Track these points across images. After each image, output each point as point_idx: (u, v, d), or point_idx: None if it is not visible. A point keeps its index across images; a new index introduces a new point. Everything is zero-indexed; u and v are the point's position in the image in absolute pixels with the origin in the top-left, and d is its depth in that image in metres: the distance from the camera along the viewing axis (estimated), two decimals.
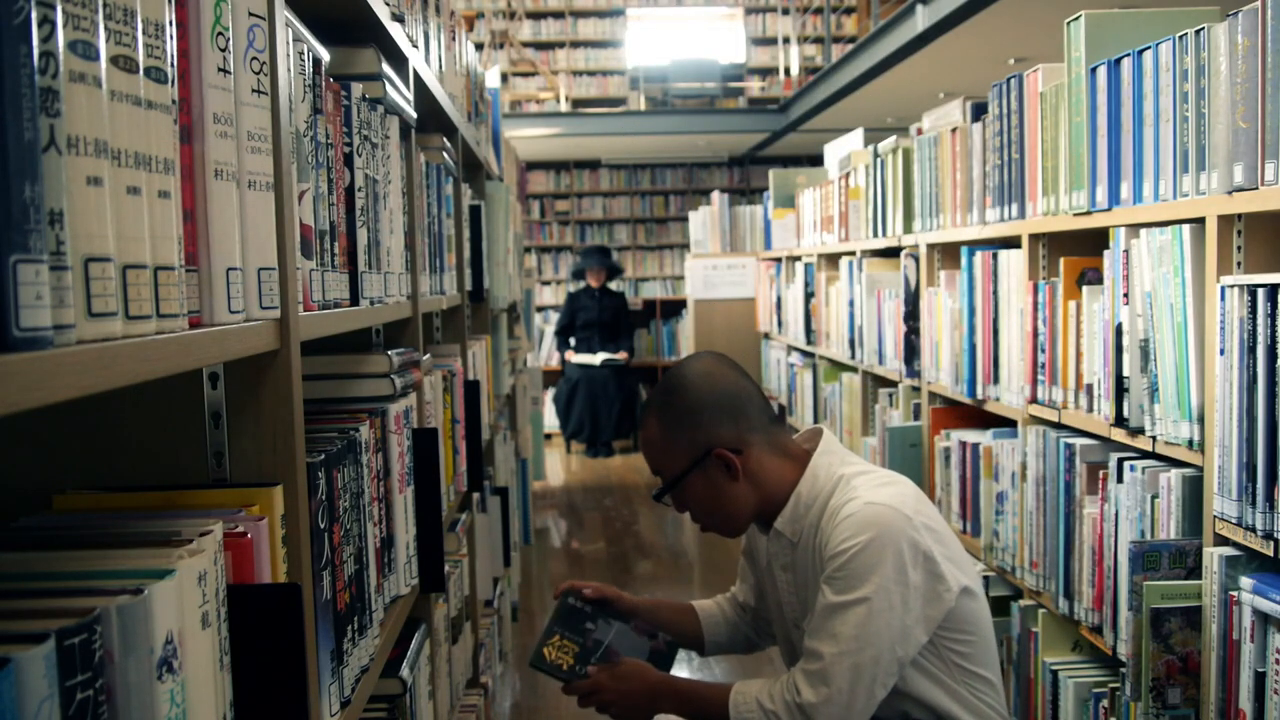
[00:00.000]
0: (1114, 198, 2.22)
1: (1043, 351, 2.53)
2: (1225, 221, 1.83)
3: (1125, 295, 2.12)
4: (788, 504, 1.86)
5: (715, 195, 7.12)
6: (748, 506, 1.87)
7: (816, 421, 4.96)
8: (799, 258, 5.44)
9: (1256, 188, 1.74)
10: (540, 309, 10.18)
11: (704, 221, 7.06)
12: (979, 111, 3.00)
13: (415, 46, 1.80)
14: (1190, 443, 1.93)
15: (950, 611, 1.74)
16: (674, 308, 9.35)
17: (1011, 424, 2.75)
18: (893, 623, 1.69)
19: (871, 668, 1.69)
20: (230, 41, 0.84)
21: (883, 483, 1.80)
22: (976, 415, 3.10)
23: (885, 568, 1.69)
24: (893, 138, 3.91)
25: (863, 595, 1.68)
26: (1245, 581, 1.74)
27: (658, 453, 1.89)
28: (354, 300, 1.30)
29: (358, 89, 1.33)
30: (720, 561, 5.19)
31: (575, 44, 12.34)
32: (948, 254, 3.31)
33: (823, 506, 1.81)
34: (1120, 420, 2.15)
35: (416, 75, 1.80)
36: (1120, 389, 2.15)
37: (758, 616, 2.16)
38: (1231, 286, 1.77)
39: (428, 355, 1.91)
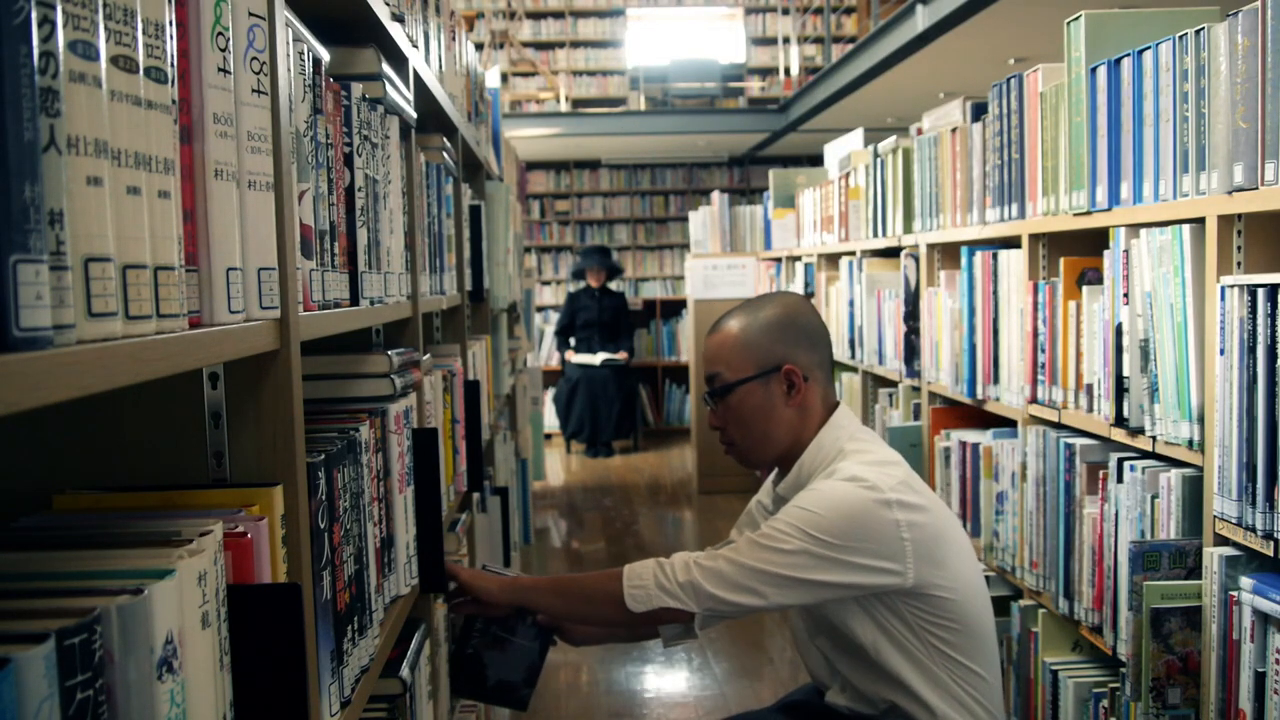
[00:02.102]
0: (1114, 198, 2.22)
1: (1043, 351, 2.53)
2: (1225, 221, 1.83)
3: (1125, 295, 2.12)
4: (792, 470, 1.92)
5: (715, 195, 7.12)
6: (785, 437, 1.93)
7: None
8: (799, 258, 5.44)
9: (1256, 188, 1.74)
10: (540, 309, 10.19)
11: (704, 221, 7.06)
12: (979, 111, 3.00)
13: (415, 46, 1.80)
14: (1190, 443, 1.93)
15: (917, 594, 1.78)
16: (674, 308, 9.35)
17: (1011, 424, 2.75)
18: (805, 573, 1.75)
19: (759, 591, 1.76)
20: (230, 41, 0.84)
21: (875, 461, 1.84)
22: (976, 415, 3.10)
23: (826, 524, 1.75)
24: (893, 138, 3.91)
25: (796, 545, 1.75)
26: (1245, 581, 1.74)
27: (728, 352, 1.93)
28: (354, 300, 1.30)
29: (358, 89, 1.33)
30: None
31: (575, 44, 12.34)
32: (948, 254, 3.31)
33: (819, 475, 1.87)
34: (1120, 420, 2.15)
35: (416, 75, 1.80)
36: (1120, 389, 2.15)
37: None
38: (1231, 286, 1.77)
39: (428, 355, 1.91)
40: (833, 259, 4.86)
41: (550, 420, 8.31)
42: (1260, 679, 1.70)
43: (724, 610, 1.79)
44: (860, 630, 1.82)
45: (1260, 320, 1.69)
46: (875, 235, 4.09)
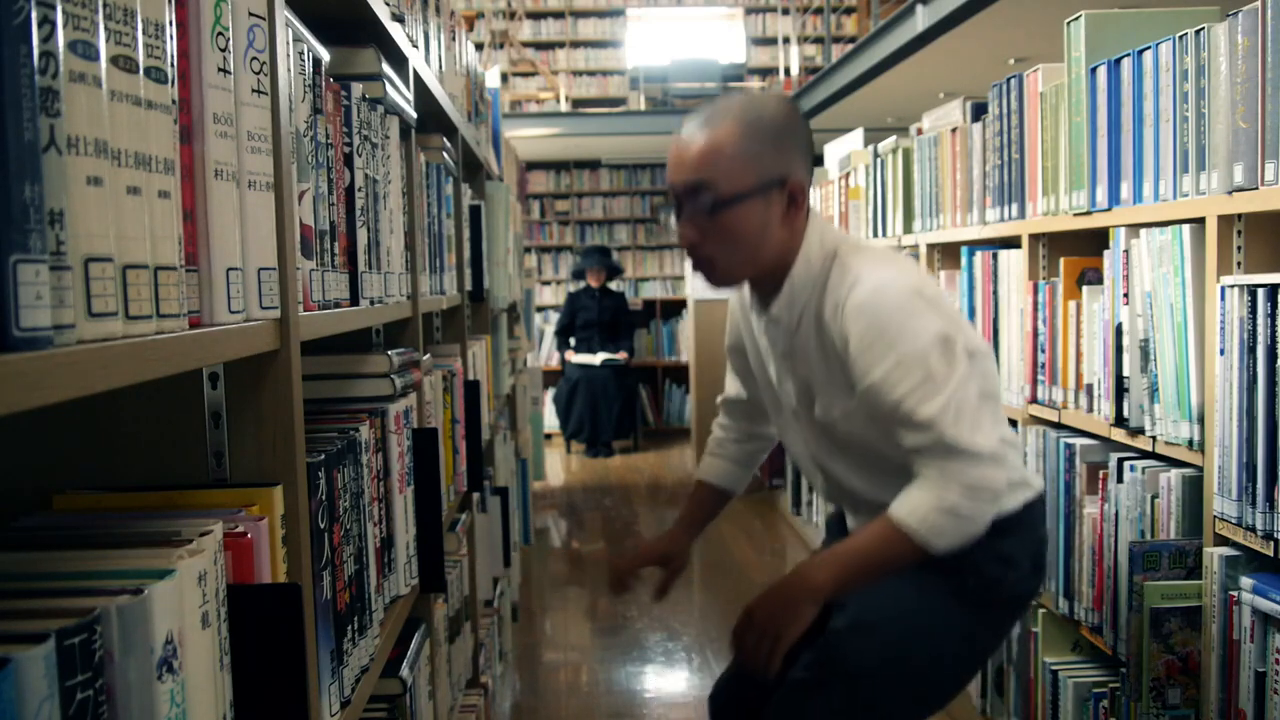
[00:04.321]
0: (1114, 198, 2.22)
1: (1043, 351, 2.53)
2: (1225, 221, 1.83)
3: (1125, 295, 2.12)
4: (783, 289, 1.76)
5: None
6: (770, 257, 1.74)
7: None
8: None
9: (1256, 188, 1.74)
10: (540, 309, 10.18)
11: None
12: (979, 111, 3.00)
13: (415, 46, 1.80)
14: (1190, 443, 1.93)
15: (969, 355, 1.69)
16: (674, 308, 9.34)
17: (1012, 424, 2.75)
18: (950, 354, 1.64)
19: (963, 397, 1.63)
20: (230, 41, 0.84)
21: (881, 262, 1.72)
22: None
23: (915, 322, 1.64)
24: (893, 138, 3.91)
25: (908, 351, 1.62)
26: (1245, 581, 1.74)
27: (725, 160, 1.66)
28: (354, 300, 1.30)
29: (358, 89, 1.33)
30: (720, 561, 5.19)
31: (575, 44, 12.33)
32: (948, 254, 3.31)
33: (820, 289, 1.73)
34: (1120, 420, 2.15)
35: (416, 75, 1.80)
36: (1120, 389, 2.15)
37: (753, 407, 2.10)
38: (1231, 286, 1.77)
39: (428, 355, 1.91)
40: None
41: (550, 420, 8.31)
42: (1260, 679, 1.70)
43: (1001, 453, 1.65)
44: (897, 445, 1.71)
45: (1260, 320, 1.69)
46: (875, 235, 4.09)
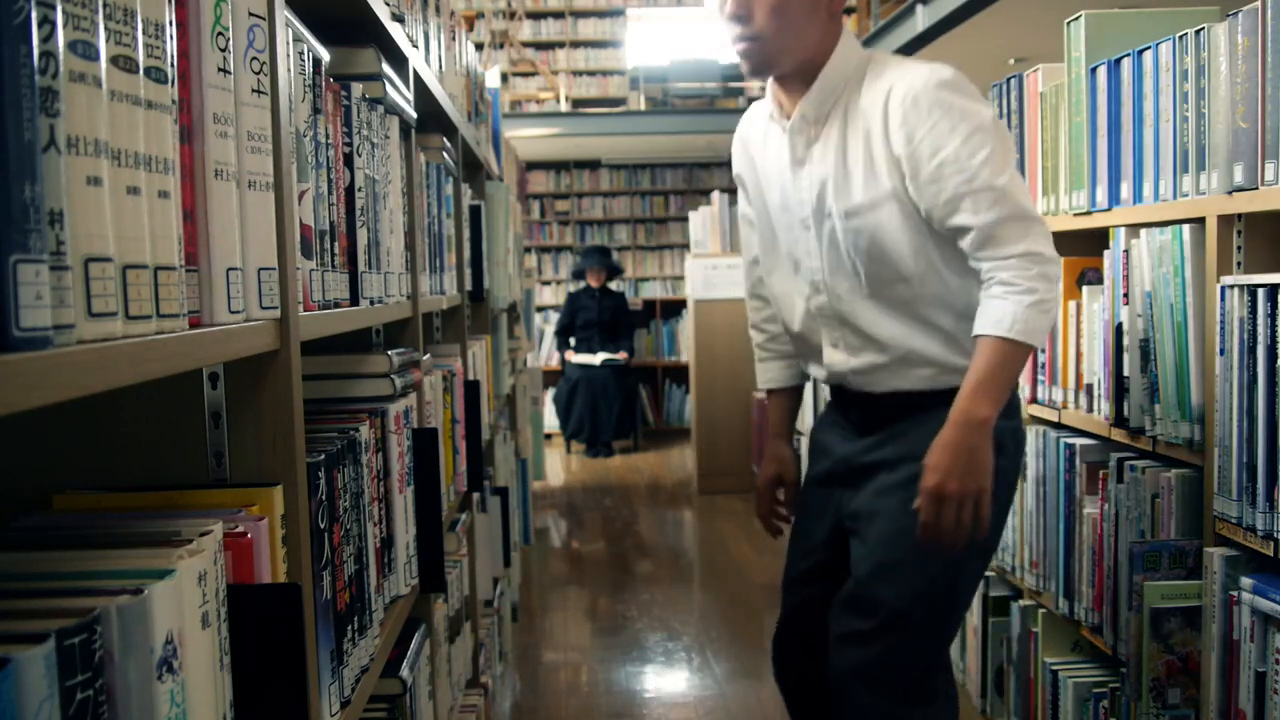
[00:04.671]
0: (1114, 198, 2.22)
1: (1043, 351, 2.53)
2: (1225, 221, 1.83)
3: (1125, 295, 2.12)
4: (814, 85, 1.82)
5: (715, 195, 7.11)
6: (812, 45, 1.80)
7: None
8: None
9: (1256, 188, 1.74)
10: (540, 309, 10.18)
11: (704, 222, 7.06)
12: None
13: (415, 46, 1.80)
14: (1190, 443, 1.93)
15: None
16: (674, 308, 9.34)
17: None
18: (1002, 133, 1.74)
19: (1016, 174, 1.73)
20: (230, 41, 0.84)
21: (917, 62, 1.80)
22: None
23: (975, 104, 1.72)
24: None
25: (978, 126, 1.70)
26: (1245, 581, 1.74)
27: None
28: (354, 300, 1.30)
29: (358, 89, 1.33)
30: (720, 561, 5.20)
31: (575, 44, 12.33)
32: None
33: (855, 84, 1.81)
34: (1120, 420, 2.15)
35: (416, 75, 1.80)
36: (1120, 389, 2.15)
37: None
38: (1231, 286, 1.77)
39: (428, 355, 1.91)
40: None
41: (550, 420, 8.31)
42: (1260, 679, 1.70)
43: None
44: (911, 255, 1.78)
45: (1260, 320, 1.69)
46: None
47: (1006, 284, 1.70)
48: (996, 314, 1.69)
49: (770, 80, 1.88)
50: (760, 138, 1.98)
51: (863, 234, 1.79)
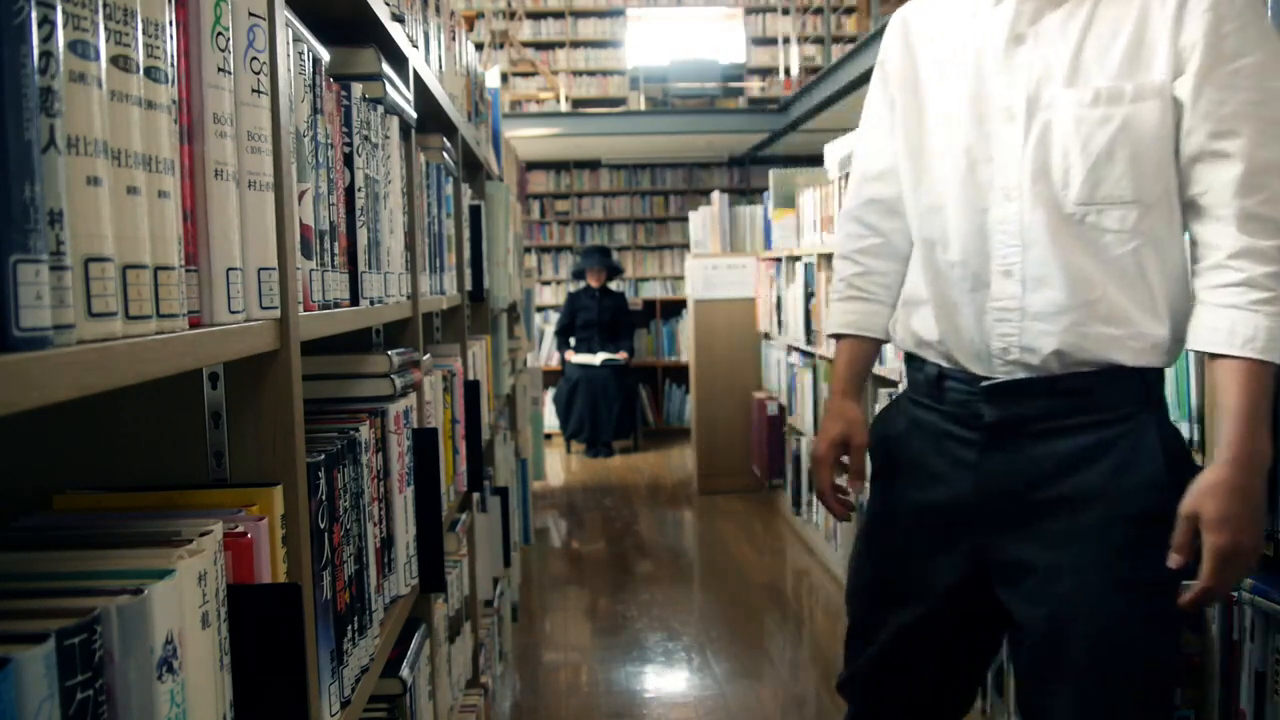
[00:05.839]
0: None
1: None
2: None
3: None
4: None
5: (715, 195, 7.11)
6: None
7: (816, 423, 4.96)
8: (799, 258, 5.44)
9: None
10: (540, 309, 10.18)
11: (704, 221, 7.06)
12: None
13: (415, 46, 1.80)
14: (1190, 443, 1.93)
15: None
16: (674, 308, 9.35)
17: None
18: None
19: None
20: (230, 41, 0.85)
21: None
22: None
23: (1276, 34, 1.45)
24: None
25: (1276, 50, 1.43)
26: (1246, 581, 1.74)
27: None
28: (354, 300, 1.30)
29: (358, 89, 1.33)
30: (720, 561, 5.20)
31: (575, 44, 12.34)
32: None
33: None
34: None
35: (416, 75, 1.80)
36: None
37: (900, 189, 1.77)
38: None
39: (428, 355, 1.91)
40: (833, 259, 4.84)
41: (550, 420, 8.31)
42: (1261, 679, 1.70)
43: None
44: (1154, 171, 1.48)
45: None
46: None
47: (1246, 276, 1.41)
48: (1274, 331, 1.40)
49: None
50: (940, 22, 1.68)
51: (1102, 130, 1.48)
